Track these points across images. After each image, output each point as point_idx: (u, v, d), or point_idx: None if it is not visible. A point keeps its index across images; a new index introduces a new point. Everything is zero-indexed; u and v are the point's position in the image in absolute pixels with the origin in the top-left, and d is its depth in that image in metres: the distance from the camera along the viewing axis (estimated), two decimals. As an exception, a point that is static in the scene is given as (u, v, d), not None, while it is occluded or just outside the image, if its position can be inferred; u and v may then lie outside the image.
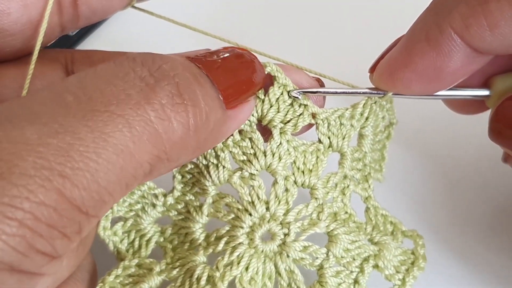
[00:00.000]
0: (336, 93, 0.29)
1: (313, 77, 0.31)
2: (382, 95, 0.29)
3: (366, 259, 0.29)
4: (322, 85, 0.31)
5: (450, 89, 0.29)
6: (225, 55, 0.26)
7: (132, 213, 0.31)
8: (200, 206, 0.30)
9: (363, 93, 0.30)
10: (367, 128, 0.31)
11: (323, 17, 0.49)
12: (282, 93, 0.29)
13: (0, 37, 0.27)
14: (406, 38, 0.28)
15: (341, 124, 0.30)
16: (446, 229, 0.34)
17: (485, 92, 0.29)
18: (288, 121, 0.29)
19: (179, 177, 0.31)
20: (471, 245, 0.35)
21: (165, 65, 0.24)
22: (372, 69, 0.30)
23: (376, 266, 0.29)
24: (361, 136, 0.31)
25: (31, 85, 0.28)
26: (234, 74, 0.26)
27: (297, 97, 0.29)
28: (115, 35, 0.46)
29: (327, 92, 0.30)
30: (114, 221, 0.31)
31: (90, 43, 0.47)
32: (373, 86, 0.30)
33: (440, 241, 0.33)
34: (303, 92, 0.29)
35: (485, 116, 0.29)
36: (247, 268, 0.28)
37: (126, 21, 0.47)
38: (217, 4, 0.51)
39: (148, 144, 0.22)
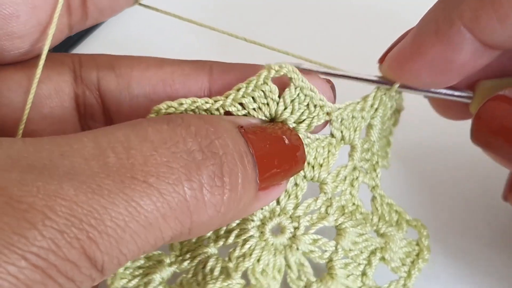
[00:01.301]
0: (343, 76, 0.29)
1: (324, 79, 0.30)
2: (390, 86, 0.30)
3: (373, 252, 0.30)
4: (332, 86, 0.30)
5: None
6: (276, 134, 0.26)
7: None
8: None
9: (371, 80, 0.30)
10: (376, 118, 0.31)
11: (331, 10, 0.50)
12: (298, 95, 0.28)
13: (8, 39, 0.26)
14: (416, 30, 0.28)
15: (353, 117, 0.30)
16: (446, 229, 0.35)
17: (468, 94, 0.30)
18: (302, 121, 0.29)
19: None
20: (471, 245, 0.35)
21: (217, 140, 0.24)
22: (382, 60, 0.30)
23: (383, 259, 0.30)
24: (369, 126, 0.31)
25: (37, 89, 0.27)
26: (277, 159, 0.26)
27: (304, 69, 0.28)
28: (115, 35, 0.46)
29: (335, 74, 0.29)
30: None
31: (90, 43, 0.46)
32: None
33: (440, 241, 0.33)
34: (309, 70, 0.29)
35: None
36: (258, 260, 0.29)
37: (126, 20, 0.46)
38: (221, 2, 0.50)
39: (176, 221, 0.22)
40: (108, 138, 0.22)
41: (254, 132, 0.26)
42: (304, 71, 0.29)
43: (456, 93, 0.30)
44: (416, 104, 0.34)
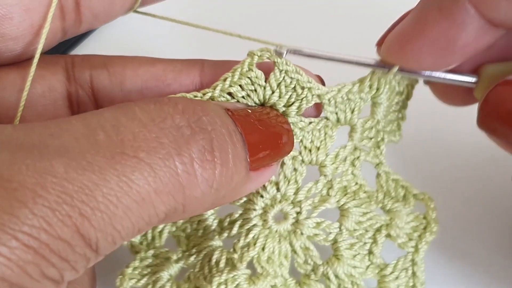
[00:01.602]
0: (337, 59, 0.28)
1: (314, 74, 0.30)
2: (387, 69, 0.29)
3: (378, 230, 0.30)
4: (322, 81, 0.30)
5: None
6: (263, 117, 0.27)
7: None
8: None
9: (368, 64, 0.29)
10: (381, 96, 0.30)
11: (325, 8, 0.49)
12: (284, 78, 0.28)
13: (1, 41, 0.27)
14: (418, 8, 0.27)
15: (348, 99, 0.30)
16: (446, 229, 0.34)
17: (473, 79, 0.28)
18: (291, 104, 0.29)
19: None
20: (471, 245, 0.34)
21: (205, 117, 0.24)
22: (380, 43, 0.29)
23: (388, 236, 0.30)
24: (374, 104, 0.31)
25: (31, 88, 0.28)
26: (266, 138, 0.26)
27: (281, 53, 0.28)
28: (113, 37, 0.46)
29: (330, 58, 0.28)
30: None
31: (88, 45, 0.47)
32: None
33: (440, 241, 0.33)
34: (295, 52, 0.28)
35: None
36: (263, 249, 0.29)
37: (124, 22, 0.46)
38: (217, 5, 0.50)
39: (169, 196, 0.22)
40: (97, 118, 0.22)
41: (241, 114, 0.26)
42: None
43: (460, 77, 0.28)
44: (416, 103, 0.33)
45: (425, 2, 0.27)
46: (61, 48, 0.46)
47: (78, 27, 0.30)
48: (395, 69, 0.28)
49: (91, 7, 0.28)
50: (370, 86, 0.30)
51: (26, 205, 0.18)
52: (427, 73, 0.28)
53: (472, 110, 0.29)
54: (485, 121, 0.27)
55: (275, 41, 0.30)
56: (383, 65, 0.29)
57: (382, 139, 0.32)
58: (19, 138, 0.21)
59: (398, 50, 0.28)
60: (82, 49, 0.47)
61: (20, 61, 0.29)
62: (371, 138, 0.32)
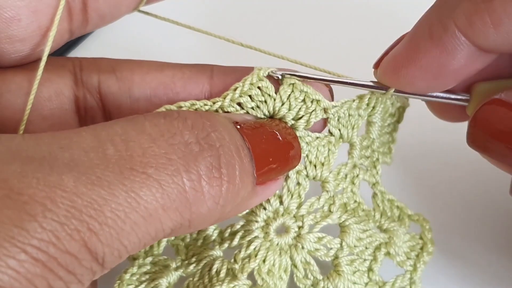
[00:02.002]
0: (338, 82, 0.29)
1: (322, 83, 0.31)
2: (384, 91, 0.30)
3: (378, 247, 0.30)
4: (330, 90, 0.31)
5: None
6: (271, 129, 0.27)
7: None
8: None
9: (366, 85, 0.30)
10: (375, 115, 0.31)
11: (327, 14, 0.50)
12: (292, 91, 0.29)
13: (9, 42, 0.27)
14: (411, 35, 0.28)
15: (349, 115, 0.30)
16: (445, 229, 0.35)
17: (465, 97, 0.29)
18: (300, 118, 0.29)
19: None
20: (471, 245, 0.35)
21: (214, 133, 0.24)
22: (377, 65, 0.30)
23: (387, 254, 0.30)
24: (369, 123, 0.32)
25: (37, 91, 0.27)
26: (274, 152, 0.26)
27: (278, 77, 0.29)
28: (114, 36, 0.46)
29: (329, 81, 0.29)
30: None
31: (89, 44, 0.46)
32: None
33: (440, 241, 0.33)
34: (313, 80, 0.29)
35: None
36: (264, 261, 0.29)
37: (126, 22, 0.47)
38: (219, 7, 0.51)
39: (176, 212, 0.22)
40: (106, 132, 0.22)
41: (249, 127, 0.26)
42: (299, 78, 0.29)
43: (453, 96, 0.30)
44: (415, 103, 0.34)
45: (417, 30, 0.28)
46: (62, 47, 0.45)
47: (85, 27, 0.30)
48: (392, 90, 0.29)
49: (98, 8, 0.29)
50: (368, 104, 0.30)
51: (36, 219, 0.19)
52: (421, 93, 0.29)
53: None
54: (474, 140, 0.28)
55: (276, 51, 0.31)
56: (381, 87, 0.30)
57: (377, 159, 0.33)
58: (28, 150, 0.21)
59: (392, 75, 0.29)
60: (83, 48, 0.47)
61: (28, 63, 0.28)
62: (367, 157, 0.33)
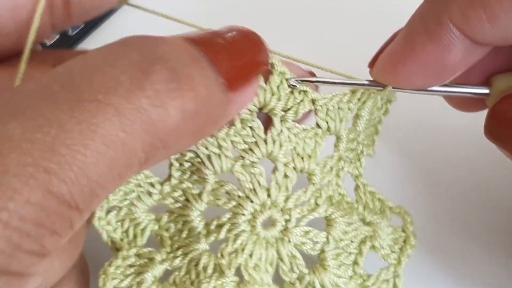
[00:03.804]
0: (334, 83, 0.30)
1: (306, 70, 0.30)
2: (382, 88, 0.30)
3: (363, 241, 0.31)
4: (314, 76, 0.31)
5: (450, 85, 0.29)
6: (229, 35, 0.25)
7: (126, 202, 0.30)
8: (199, 194, 0.30)
9: (362, 84, 0.30)
10: (364, 110, 0.31)
11: (322, 11, 0.49)
12: (281, 81, 0.29)
13: None
14: (406, 31, 0.28)
15: (339, 108, 0.30)
16: (445, 229, 0.35)
17: (485, 91, 0.29)
18: (289, 109, 0.29)
19: (177, 164, 0.30)
20: (470, 245, 0.35)
21: (160, 47, 0.23)
22: (372, 64, 0.30)
23: (372, 247, 0.31)
24: (357, 116, 0.32)
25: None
26: (238, 56, 0.25)
27: (295, 86, 0.29)
28: (115, 35, 0.44)
29: (326, 82, 0.30)
30: (109, 211, 0.30)
31: (90, 43, 0.45)
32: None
33: (440, 241, 0.34)
34: (301, 80, 0.29)
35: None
36: (251, 255, 0.29)
37: (126, 20, 0.45)
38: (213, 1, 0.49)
39: (141, 133, 0.21)
40: (49, 75, 0.21)
41: (205, 38, 0.25)
42: (285, 63, 0.29)
43: (472, 90, 0.30)
44: (415, 102, 0.34)
45: (412, 25, 0.28)
46: (63, 46, 0.45)
47: (68, 21, 0.28)
48: (389, 88, 0.29)
49: (80, 1, 0.27)
50: (359, 99, 0.30)
51: None
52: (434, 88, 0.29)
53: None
54: (491, 132, 0.28)
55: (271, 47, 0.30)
56: (378, 85, 0.30)
57: (362, 152, 0.33)
58: None
59: (389, 72, 0.29)
60: (85, 46, 0.46)
61: (10, 57, 0.27)
62: (352, 150, 0.33)
